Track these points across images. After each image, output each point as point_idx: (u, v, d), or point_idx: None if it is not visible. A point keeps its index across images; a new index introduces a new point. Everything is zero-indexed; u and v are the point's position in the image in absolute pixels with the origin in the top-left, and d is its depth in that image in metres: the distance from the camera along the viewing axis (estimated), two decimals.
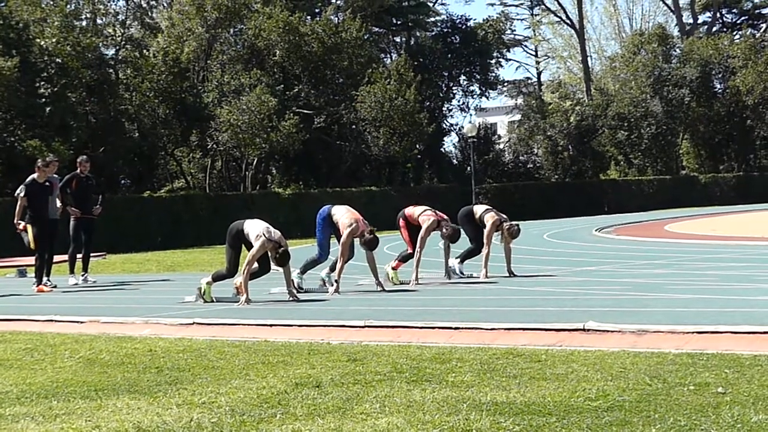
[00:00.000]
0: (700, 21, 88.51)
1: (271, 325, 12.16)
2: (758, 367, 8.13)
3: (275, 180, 61.73)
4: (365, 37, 62.11)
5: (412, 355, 9.58)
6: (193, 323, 12.69)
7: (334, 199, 52.21)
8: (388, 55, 72.94)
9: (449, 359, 9.25)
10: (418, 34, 73.70)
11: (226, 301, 15.11)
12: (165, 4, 67.42)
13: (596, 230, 35.96)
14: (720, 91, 71.67)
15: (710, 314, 10.97)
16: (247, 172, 57.45)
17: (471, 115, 74.23)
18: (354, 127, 58.44)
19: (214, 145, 52.98)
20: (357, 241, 16.00)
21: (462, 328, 10.93)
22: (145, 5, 67.54)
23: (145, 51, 56.78)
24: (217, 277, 15.52)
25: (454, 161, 70.49)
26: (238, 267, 15.27)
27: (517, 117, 79.44)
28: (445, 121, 70.65)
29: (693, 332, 9.67)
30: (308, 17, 62.10)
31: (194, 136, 53.66)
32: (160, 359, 10.08)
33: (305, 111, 55.99)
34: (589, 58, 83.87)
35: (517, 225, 18.33)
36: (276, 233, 14.79)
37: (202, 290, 15.34)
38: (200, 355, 10.25)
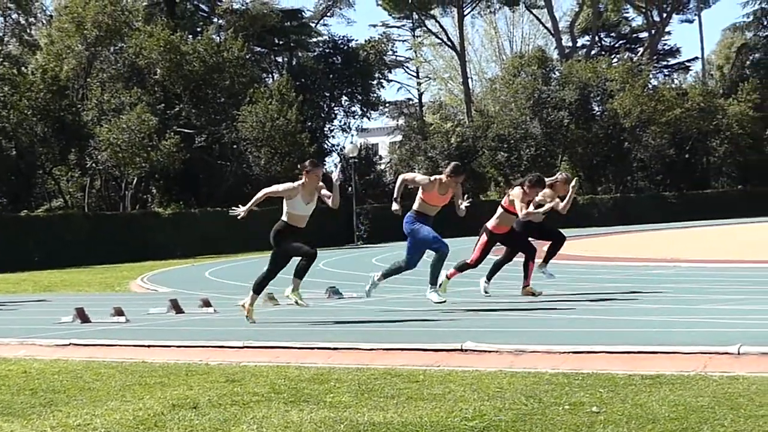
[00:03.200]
0: (579, 44, 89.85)
1: (149, 346, 12.03)
2: (632, 386, 8.25)
3: (155, 199, 61.16)
4: (247, 57, 62.02)
5: (291, 376, 9.56)
6: (70, 344, 12.51)
7: (215, 218, 52.04)
8: (270, 75, 72.89)
9: (328, 380, 9.24)
10: (300, 54, 73.77)
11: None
12: (44, 21, 66.61)
13: None
14: (598, 113, 72.71)
15: (587, 334, 11.12)
16: (126, 192, 56.86)
17: (352, 135, 74.44)
18: (235, 146, 58.22)
19: (94, 164, 52.41)
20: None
21: (341, 349, 10.93)
22: (23, 22, 66.61)
23: (23, 68, 55.96)
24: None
25: (336, 181, 70.45)
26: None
27: (399, 138, 79.81)
28: (326, 142, 70.74)
29: (569, 352, 9.78)
30: (190, 36, 61.81)
31: (73, 155, 52.97)
32: (34, 381, 9.92)
33: (186, 130, 55.65)
34: (469, 80, 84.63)
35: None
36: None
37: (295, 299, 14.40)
38: (76, 376, 10.11)
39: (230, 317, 15.06)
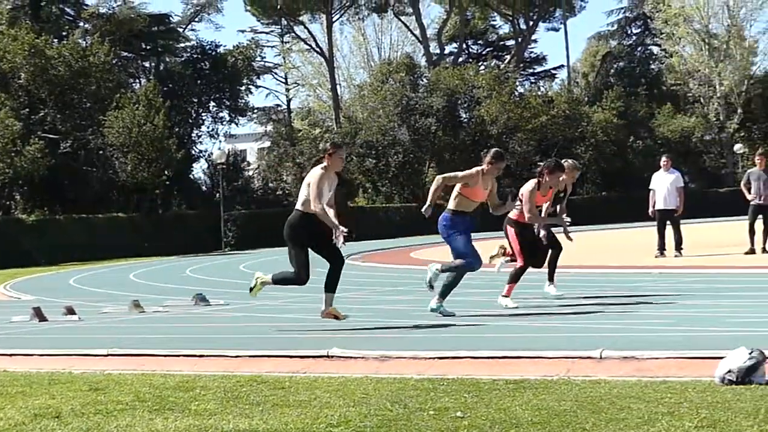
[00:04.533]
0: (446, 51, 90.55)
1: (11, 355, 11.83)
2: (496, 391, 8.33)
3: (19, 206, 60.04)
4: (113, 62, 61.30)
5: (156, 384, 9.47)
6: None
7: (80, 225, 51.37)
8: (137, 80, 72.13)
9: (193, 387, 9.17)
10: (167, 59, 73.10)
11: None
12: None
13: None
14: (465, 120, 73.27)
15: (452, 339, 11.20)
16: None
17: (220, 141, 74.00)
18: (101, 152, 57.48)
19: None
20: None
21: (206, 356, 10.88)
22: None
23: None
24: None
25: (203, 188, 70.04)
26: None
27: (267, 144, 79.58)
28: (194, 148, 70.15)
29: (435, 357, 9.85)
30: (55, 40, 60.93)
31: None
32: None
33: (51, 135, 54.82)
34: (338, 86, 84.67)
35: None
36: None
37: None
38: None
39: (94, 325, 14.86)
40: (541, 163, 15.26)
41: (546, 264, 15.87)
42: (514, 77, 78.18)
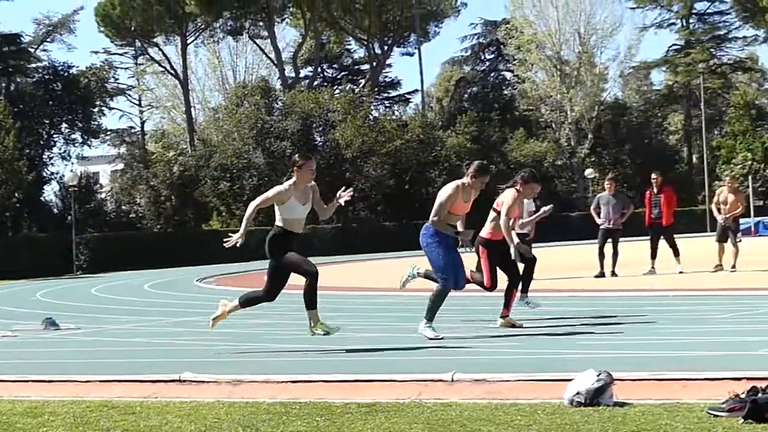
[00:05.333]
0: (302, 75, 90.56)
1: None
2: (348, 414, 8.34)
3: None
4: None
5: (3, 410, 9.28)
6: None
7: None
8: None
9: (41, 413, 9.00)
10: (18, 79, 71.81)
11: None
12: None
13: (197, 280, 35.96)
14: (320, 143, 73.36)
15: (305, 363, 11.19)
16: None
17: (73, 163, 72.97)
18: None
19: None
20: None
21: (56, 381, 10.68)
22: None
23: None
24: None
25: (55, 210, 68.90)
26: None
27: (120, 166, 78.64)
28: (45, 170, 69.08)
29: (288, 381, 9.82)
30: None
31: None
32: None
33: None
34: (193, 109, 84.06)
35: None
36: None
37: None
38: None
39: None
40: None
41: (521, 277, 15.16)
42: (368, 101, 78.57)
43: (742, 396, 7.54)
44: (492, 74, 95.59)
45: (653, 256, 25.53)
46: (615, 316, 15.09)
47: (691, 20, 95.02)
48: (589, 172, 78.11)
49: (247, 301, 13.24)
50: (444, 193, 13.50)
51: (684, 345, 11.36)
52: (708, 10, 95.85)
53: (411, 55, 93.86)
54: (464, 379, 9.34)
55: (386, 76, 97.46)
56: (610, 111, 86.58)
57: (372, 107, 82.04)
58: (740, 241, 25.54)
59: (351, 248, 64.02)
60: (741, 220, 27.24)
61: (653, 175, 26.32)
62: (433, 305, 13.20)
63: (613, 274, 25.08)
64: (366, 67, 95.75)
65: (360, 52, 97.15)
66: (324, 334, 12.45)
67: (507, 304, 14.44)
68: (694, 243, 35.53)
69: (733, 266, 24.60)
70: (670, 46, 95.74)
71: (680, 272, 24.54)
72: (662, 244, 25.58)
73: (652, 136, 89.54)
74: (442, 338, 12.89)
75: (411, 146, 73.88)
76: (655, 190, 26.01)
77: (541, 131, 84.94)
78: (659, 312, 15.70)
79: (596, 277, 24.74)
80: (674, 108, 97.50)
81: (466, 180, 13.48)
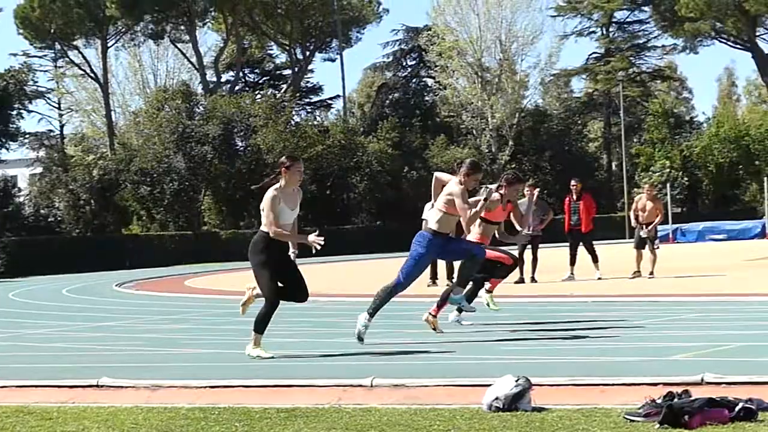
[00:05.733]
0: (223, 79, 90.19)
1: None
2: (267, 419, 8.31)
3: None
4: None
5: None
6: None
7: None
8: None
9: None
10: None
11: None
12: None
13: (117, 285, 35.63)
14: (241, 148, 73.05)
15: (224, 368, 11.14)
16: None
17: None
18: None
19: None
20: None
21: None
22: None
23: None
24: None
25: None
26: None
27: (39, 170, 77.78)
28: None
29: (206, 386, 9.78)
30: None
31: None
32: None
33: None
34: (113, 113, 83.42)
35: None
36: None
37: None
38: None
39: None
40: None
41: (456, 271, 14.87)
42: (290, 106, 78.44)
43: (659, 401, 7.62)
44: (413, 80, 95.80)
45: (572, 262, 25.76)
46: (534, 322, 15.18)
47: (611, 29, 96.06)
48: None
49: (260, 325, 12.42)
50: (451, 187, 13.04)
51: (602, 351, 11.47)
52: (628, 19, 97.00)
53: (333, 60, 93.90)
54: (383, 385, 9.35)
55: (308, 82, 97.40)
56: (530, 118, 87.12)
57: (293, 112, 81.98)
58: (658, 248, 25.82)
59: None
60: (659, 227, 27.51)
61: (572, 182, 26.57)
62: (379, 301, 12.99)
63: (533, 280, 25.26)
64: (288, 72, 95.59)
65: (282, 57, 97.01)
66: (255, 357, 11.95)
67: (441, 305, 14.18)
68: (613, 249, 35.91)
69: (651, 273, 24.86)
70: (590, 54, 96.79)
71: (599, 278, 24.77)
72: (581, 250, 25.83)
73: (572, 143, 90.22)
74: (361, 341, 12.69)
75: (332, 152, 73.92)
76: (574, 197, 26.25)
77: (462, 138, 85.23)
78: (578, 318, 15.83)
79: (516, 283, 24.86)
80: (594, 115, 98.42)
81: (459, 179, 13.07)
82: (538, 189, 25.47)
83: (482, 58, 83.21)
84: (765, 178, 70.40)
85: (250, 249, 12.25)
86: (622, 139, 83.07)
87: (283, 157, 12.57)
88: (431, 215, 13.17)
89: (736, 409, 7.43)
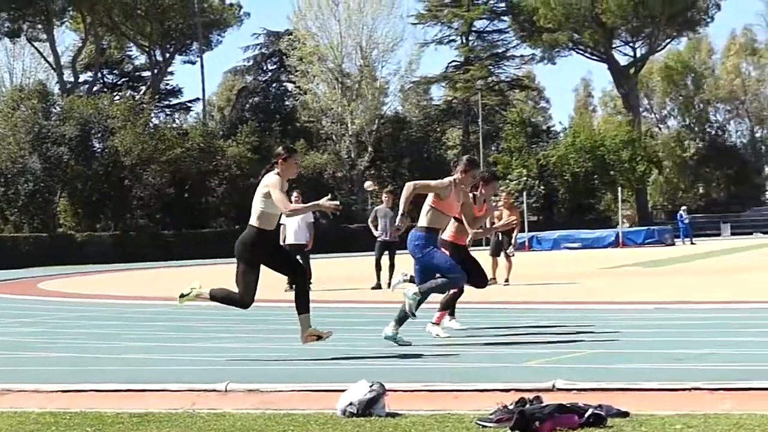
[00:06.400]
0: (81, 80, 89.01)
1: None
2: (120, 424, 8.23)
3: None
4: None
5: None
6: None
7: None
8: None
9: None
10: None
11: None
12: None
13: None
14: (99, 150, 72.12)
15: (77, 372, 10.98)
16: None
17: None
18: None
19: None
20: None
21: None
22: None
23: None
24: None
25: None
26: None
27: None
28: None
29: (58, 390, 9.64)
30: None
31: None
32: None
33: None
34: None
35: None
36: None
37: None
38: None
39: None
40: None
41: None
42: (149, 108, 77.67)
43: (511, 407, 7.72)
44: (274, 85, 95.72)
45: None
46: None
47: (470, 38, 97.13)
48: (368, 185, 78.79)
49: (223, 299, 12.26)
50: (435, 180, 12.93)
51: (456, 357, 11.57)
52: (487, 29, 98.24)
53: (193, 63, 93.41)
54: (238, 390, 9.33)
55: (168, 84, 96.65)
56: (390, 124, 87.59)
57: (152, 115, 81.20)
58: (513, 255, 26.16)
59: (129, 256, 62.97)
60: (514, 235, 27.83)
61: None
62: (434, 286, 12.65)
63: (389, 285, 25.35)
64: (147, 74, 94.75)
65: (141, 59, 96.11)
66: None
67: (445, 309, 14.05)
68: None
69: (506, 280, 25.20)
70: (450, 63, 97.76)
71: None
72: None
73: (431, 150, 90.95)
74: (410, 344, 12.52)
75: (191, 155, 73.36)
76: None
77: (322, 143, 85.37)
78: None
79: (373, 288, 24.97)
80: (453, 123, 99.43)
81: (456, 176, 12.82)
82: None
83: (343, 63, 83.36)
84: (619, 188, 71.95)
85: (240, 247, 11.84)
86: (480, 147, 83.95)
87: (280, 148, 12.15)
88: (422, 212, 12.83)
89: (586, 415, 7.55)
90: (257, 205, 11.90)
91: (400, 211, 12.99)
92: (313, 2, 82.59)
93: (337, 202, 12.12)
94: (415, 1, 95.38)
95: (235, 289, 11.91)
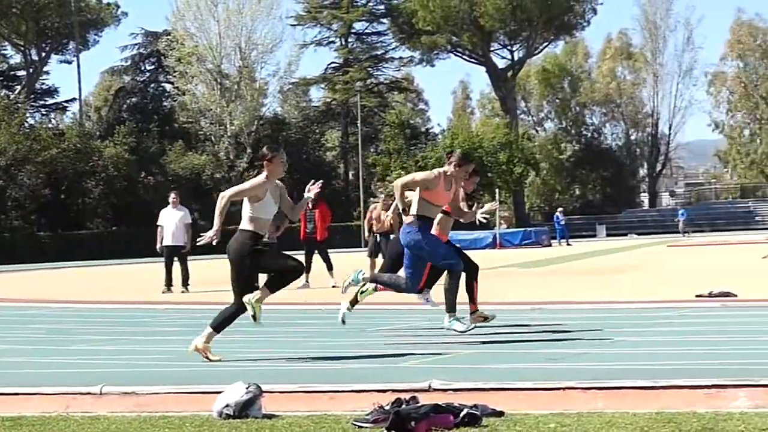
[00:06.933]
0: None
1: None
2: None
3: None
4: None
5: None
6: None
7: None
8: None
9: None
10: None
11: None
12: None
13: None
14: None
15: None
16: None
17: None
18: None
19: None
20: None
21: None
22: None
23: None
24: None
25: None
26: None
27: None
28: None
29: None
30: None
31: None
32: None
33: None
34: None
35: None
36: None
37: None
38: None
39: None
40: None
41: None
42: (24, 108, 76.55)
43: (387, 407, 7.75)
44: (152, 85, 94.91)
45: (307, 270, 25.93)
46: (267, 328, 15.21)
47: (350, 39, 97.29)
48: None
49: (221, 324, 11.81)
50: (422, 173, 12.87)
51: (332, 357, 11.58)
52: (366, 30, 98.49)
53: (69, 62, 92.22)
54: (113, 392, 9.22)
55: (43, 83, 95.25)
56: (269, 126, 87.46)
57: (27, 114, 79.99)
58: None
59: (3, 258, 61.87)
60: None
61: None
62: (451, 295, 12.77)
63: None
64: (22, 73, 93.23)
65: (16, 58, 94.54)
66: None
67: (473, 299, 13.97)
68: (349, 257, 36.32)
69: None
70: (329, 64, 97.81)
71: (333, 286, 24.98)
72: (316, 258, 26.08)
73: (310, 151, 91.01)
74: (473, 328, 12.71)
75: (68, 155, 72.47)
76: (310, 205, 26.42)
77: (201, 144, 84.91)
78: (310, 325, 15.97)
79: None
80: (332, 125, 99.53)
81: (448, 169, 12.81)
82: None
83: (222, 64, 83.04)
84: (497, 190, 72.60)
85: (235, 250, 11.55)
86: (359, 149, 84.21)
87: (264, 149, 11.89)
88: (412, 204, 12.73)
89: (461, 414, 7.60)
90: (245, 210, 11.58)
91: (400, 209, 13.10)
92: (191, 3, 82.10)
93: (317, 186, 12.13)
94: (295, 2, 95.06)
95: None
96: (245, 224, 11.52)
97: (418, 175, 12.96)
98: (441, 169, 12.88)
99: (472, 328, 13.03)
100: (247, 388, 8.31)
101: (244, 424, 7.93)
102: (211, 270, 32.75)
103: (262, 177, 11.54)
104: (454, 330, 12.88)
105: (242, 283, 11.53)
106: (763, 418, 7.33)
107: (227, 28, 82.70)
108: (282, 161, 11.60)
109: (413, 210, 12.69)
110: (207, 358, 11.33)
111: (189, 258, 26.22)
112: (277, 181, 11.75)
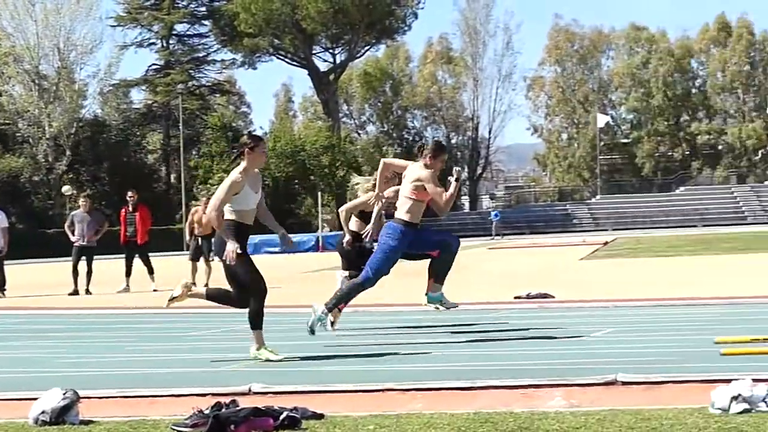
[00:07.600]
0: None
1: None
2: None
3: None
4: None
5: None
6: None
7: None
8: None
9: None
10: None
11: None
12: None
13: None
14: None
15: None
16: None
17: None
18: None
19: None
20: None
21: None
22: None
23: None
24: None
25: None
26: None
27: None
28: None
29: None
30: None
31: None
32: None
33: None
34: None
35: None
36: None
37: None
38: None
39: None
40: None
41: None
42: None
43: (206, 411, 7.74)
44: None
45: (128, 273, 25.71)
46: (85, 333, 15.02)
47: (171, 41, 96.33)
48: (66, 189, 77.14)
49: (217, 298, 11.86)
50: (417, 172, 12.15)
51: (152, 362, 11.50)
52: (188, 32, 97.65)
53: None
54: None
55: None
56: (89, 128, 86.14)
57: None
58: (213, 260, 26.13)
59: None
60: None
61: (129, 194, 26.54)
62: (341, 297, 12.23)
63: (87, 291, 24.98)
64: None
65: None
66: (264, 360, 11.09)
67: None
68: (170, 261, 36.01)
69: (206, 285, 25.12)
70: (150, 66, 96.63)
71: (154, 290, 24.78)
72: (137, 261, 25.83)
73: (131, 154, 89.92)
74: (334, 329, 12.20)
75: None
76: (130, 209, 26.22)
77: (18, 146, 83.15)
78: (129, 329, 15.81)
79: (70, 294, 24.55)
80: (153, 127, 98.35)
81: (425, 162, 12.18)
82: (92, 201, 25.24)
83: (40, 65, 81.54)
84: (319, 193, 72.80)
85: (221, 242, 11.14)
86: (181, 152, 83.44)
87: (245, 137, 11.47)
88: (400, 204, 12.24)
89: (281, 417, 7.63)
90: (226, 205, 11.17)
91: (377, 191, 12.78)
92: (8, 2, 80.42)
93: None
94: (115, 2, 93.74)
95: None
96: (227, 214, 11.13)
97: (423, 176, 12.08)
98: (419, 163, 12.27)
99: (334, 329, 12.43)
100: (64, 393, 8.19)
101: (60, 430, 7.82)
102: (29, 273, 32.23)
103: (237, 174, 11.13)
104: (324, 326, 12.21)
105: (245, 272, 11.35)
106: (578, 417, 7.52)
107: (45, 28, 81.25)
108: (264, 151, 11.34)
109: (404, 216, 12.19)
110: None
111: (6, 262, 25.71)
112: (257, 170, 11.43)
